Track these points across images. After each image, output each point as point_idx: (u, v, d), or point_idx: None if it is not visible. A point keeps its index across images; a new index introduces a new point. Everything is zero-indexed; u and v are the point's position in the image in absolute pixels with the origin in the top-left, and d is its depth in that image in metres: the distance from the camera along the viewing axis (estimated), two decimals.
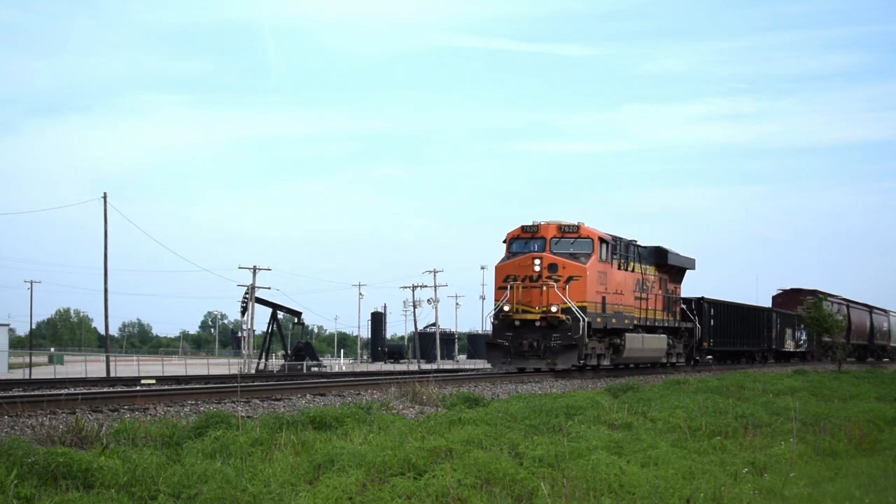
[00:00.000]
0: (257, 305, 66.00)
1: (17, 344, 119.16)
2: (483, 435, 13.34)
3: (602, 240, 34.78)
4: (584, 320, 32.84)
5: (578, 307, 32.91)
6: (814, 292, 70.28)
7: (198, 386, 24.32)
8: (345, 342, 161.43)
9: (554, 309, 32.91)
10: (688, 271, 45.66)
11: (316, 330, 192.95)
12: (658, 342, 40.68)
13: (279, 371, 59.62)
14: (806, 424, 16.90)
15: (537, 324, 33.08)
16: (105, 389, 22.33)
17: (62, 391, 19.02)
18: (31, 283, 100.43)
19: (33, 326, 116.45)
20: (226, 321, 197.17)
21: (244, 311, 60.68)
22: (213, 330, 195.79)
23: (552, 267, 33.45)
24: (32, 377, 52.30)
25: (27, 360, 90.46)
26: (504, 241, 35.04)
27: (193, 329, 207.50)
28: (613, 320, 35.60)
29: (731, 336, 52.53)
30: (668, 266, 42.76)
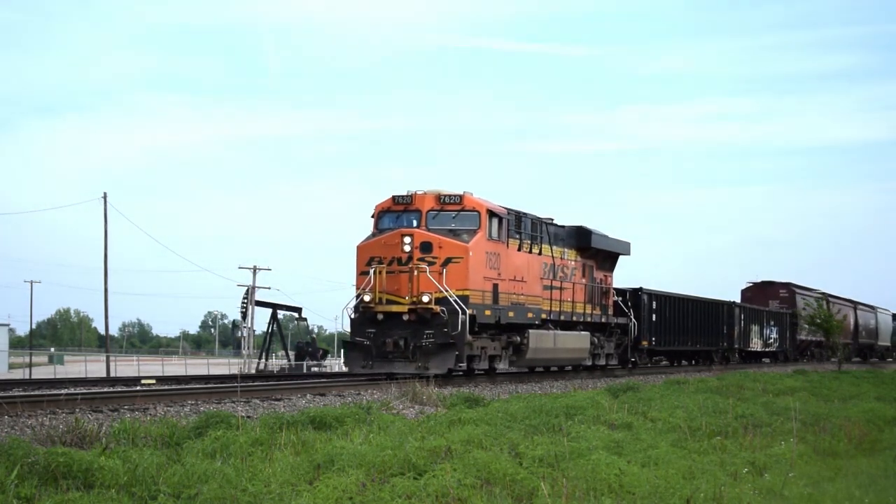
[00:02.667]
0: (257, 306, 66.02)
1: (17, 344, 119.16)
2: (483, 435, 13.35)
3: (493, 213, 28.26)
4: (464, 313, 26.48)
5: (458, 296, 26.54)
6: (787, 285, 66.19)
7: (198, 386, 24.30)
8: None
9: (426, 299, 26.49)
10: (621, 257, 39.28)
11: (316, 329, 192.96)
12: (577, 340, 34.09)
13: (279, 371, 59.61)
14: (806, 424, 16.91)
15: (405, 317, 26.74)
16: (105, 389, 22.31)
17: (62, 391, 19.02)
18: (31, 283, 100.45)
19: (33, 326, 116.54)
20: (226, 321, 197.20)
21: (244, 314, 60.68)
22: (213, 330, 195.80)
23: (425, 246, 27.01)
24: (32, 377, 52.29)
25: (27, 360, 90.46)
26: (372, 216, 28.41)
27: (193, 329, 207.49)
28: (511, 313, 29.33)
29: (681, 333, 45.80)
30: (594, 250, 36.37)
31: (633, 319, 39.81)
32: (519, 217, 30.30)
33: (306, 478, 10.58)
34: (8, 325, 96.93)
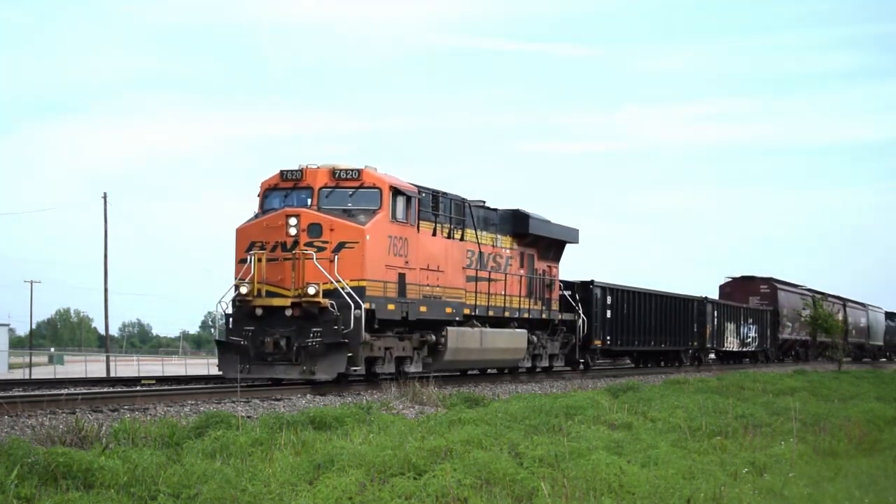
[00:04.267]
0: None
1: (17, 344, 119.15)
2: (483, 435, 13.35)
3: (398, 191, 24.32)
4: (359, 307, 22.64)
5: (353, 287, 22.71)
6: (768, 281, 61.89)
7: (198, 386, 24.29)
8: None
9: (312, 291, 22.62)
10: (568, 246, 35.12)
11: None
12: (511, 339, 30.13)
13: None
14: (806, 424, 16.91)
15: (288, 313, 22.85)
16: (105, 389, 22.31)
17: (62, 391, 19.02)
18: (32, 283, 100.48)
19: (33, 326, 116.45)
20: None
21: None
22: (213, 330, 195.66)
23: (314, 229, 23.13)
24: (32, 377, 52.31)
25: (27, 360, 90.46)
26: (259, 195, 24.58)
27: (193, 329, 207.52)
28: (423, 308, 25.42)
29: (642, 332, 41.37)
30: (533, 237, 32.11)
31: (582, 316, 35.53)
32: (436, 197, 26.47)
33: (306, 478, 10.58)
34: (8, 325, 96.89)
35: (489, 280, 29.17)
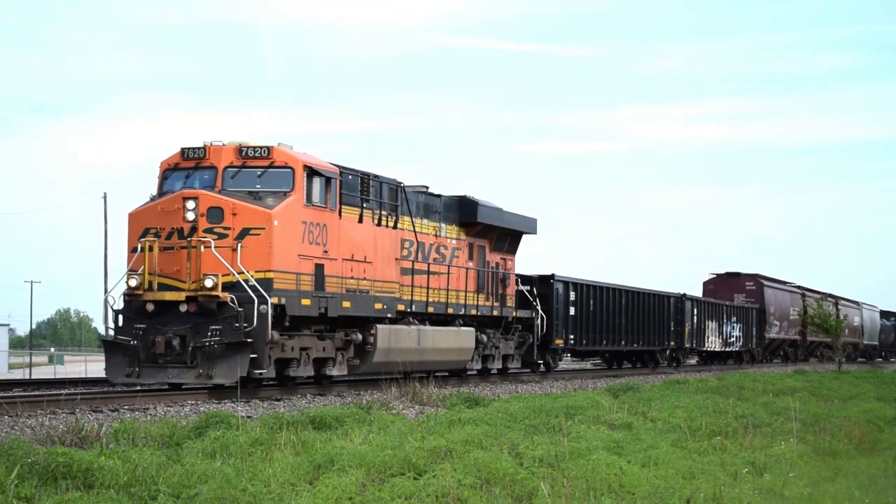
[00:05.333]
0: None
1: (17, 344, 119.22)
2: (483, 435, 13.35)
3: (314, 171, 21.76)
4: (265, 302, 20.14)
5: (259, 279, 20.34)
6: (754, 277, 59.09)
7: (198, 385, 24.27)
8: None
9: (209, 284, 20.17)
10: (525, 237, 32.43)
11: None
12: (456, 339, 27.58)
13: None
14: (806, 424, 16.91)
15: (183, 308, 20.37)
16: (105, 389, 22.30)
17: (62, 391, 19.01)
18: (31, 283, 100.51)
19: (33, 326, 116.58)
20: None
21: None
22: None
23: (214, 213, 20.60)
24: (32, 377, 52.32)
25: (27, 360, 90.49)
26: (158, 176, 22.07)
27: None
28: (346, 303, 22.87)
29: (611, 331, 38.47)
30: (483, 226, 29.50)
31: (541, 313, 32.76)
32: (363, 180, 23.82)
33: (306, 478, 10.59)
34: (8, 325, 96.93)
35: (428, 273, 26.59)
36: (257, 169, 21.41)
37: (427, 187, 27.51)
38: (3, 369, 79.13)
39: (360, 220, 23.69)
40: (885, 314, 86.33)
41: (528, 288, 32.81)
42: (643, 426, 15.88)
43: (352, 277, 23.23)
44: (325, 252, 22.25)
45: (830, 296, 68.03)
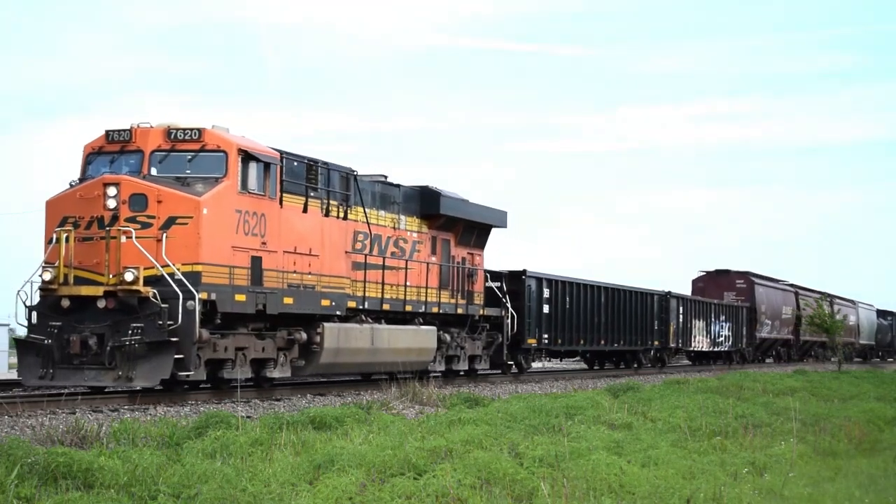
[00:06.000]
0: None
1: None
2: (483, 435, 13.36)
3: (250, 156, 20.17)
4: (191, 297, 18.57)
5: (185, 273, 18.75)
6: (745, 275, 57.27)
7: (197, 386, 24.27)
8: None
9: (130, 277, 18.52)
10: (494, 230, 30.67)
11: None
12: (416, 338, 25.83)
13: None
14: (806, 424, 16.92)
15: (102, 304, 18.66)
16: (107, 389, 22.28)
17: (62, 391, 18.99)
18: (32, 283, 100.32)
19: None
20: None
21: None
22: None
23: (137, 200, 18.96)
24: None
25: None
26: (81, 161, 20.40)
27: None
28: (288, 300, 21.21)
29: (590, 330, 36.65)
30: (448, 219, 27.82)
31: (511, 311, 30.83)
32: (310, 166, 22.12)
33: (306, 478, 10.59)
34: (8, 325, 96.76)
35: (384, 268, 24.74)
36: (187, 153, 19.77)
37: (385, 176, 25.91)
38: (2, 369, 79.09)
39: (305, 210, 21.91)
40: (882, 313, 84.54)
41: (498, 285, 30.99)
42: (643, 426, 15.89)
43: (295, 272, 21.50)
44: (264, 244, 20.57)
45: (826, 294, 65.60)
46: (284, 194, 21.27)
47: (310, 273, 21.94)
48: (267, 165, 20.65)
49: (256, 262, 20.35)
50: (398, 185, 26.14)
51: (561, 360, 42.60)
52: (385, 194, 25.60)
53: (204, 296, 18.96)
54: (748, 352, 54.86)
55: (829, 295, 65.78)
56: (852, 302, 73.39)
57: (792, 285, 64.29)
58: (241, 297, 19.91)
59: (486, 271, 30.45)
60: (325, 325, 22.33)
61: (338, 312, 22.84)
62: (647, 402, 20.02)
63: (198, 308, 18.66)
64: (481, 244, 30.22)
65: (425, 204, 27.01)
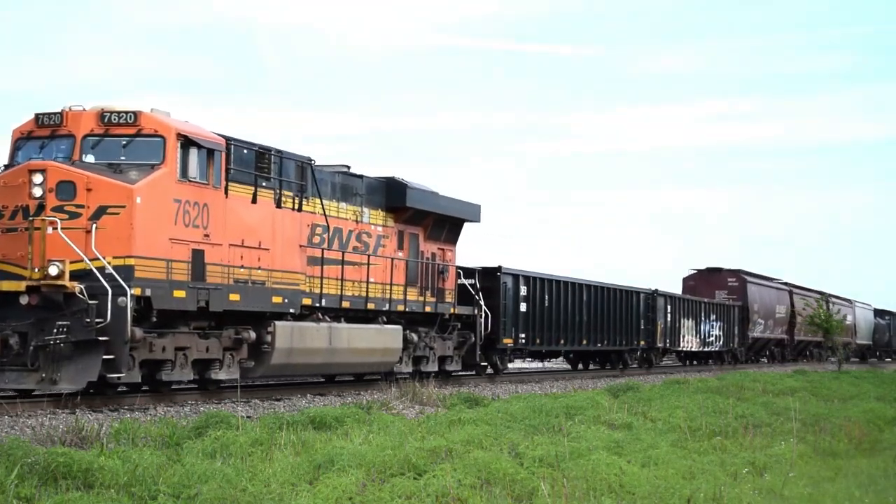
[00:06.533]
0: None
1: None
2: (483, 435, 13.37)
3: (190, 141, 18.71)
4: (122, 293, 17.15)
5: (117, 266, 17.38)
6: (737, 273, 55.64)
7: (197, 385, 24.30)
8: None
9: (54, 271, 17.15)
10: (467, 225, 29.22)
11: None
12: (378, 338, 24.24)
13: None
14: (806, 424, 16.93)
15: (24, 300, 17.31)
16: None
17: (62, 391, 18.97)
18: None
19: None
20: None
21: None
22: None
23: (65, 188, 17.58)
24: None
25: None
26: (10, 147, 19.15)
27: None
28: (235, 296, 19.73)
29: (571, 329, 35.16)
30: (416, 212, 26.34)
31: (485, 309, 29.38)
32: (260, 154, 20.74)
33: (306, 478, 10.59)
34: None
35: (343, 263, 23.18)
36: (122, 138, 18.33)
37: (348, 167, 24.54)
38: None
39: (255, 201, 20.44)
40: (879, 313, 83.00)
41: (472, 282, 29.38)
42: (643, 426, 15.90)
43: (242, 266, 20.07)
44: (207, 236, 19.16)
45: (821, 293, 63.70)
46: (231, 183, 19.88)
47: (259, 268, 20.56)
48: (210, 152, 19.20)
49: (198, 255, 18.98)
50: (361, 176, 24.71)
51: (543, 361, 41.29)
52: (346, 185, 24.13)
53: (137, 291, 17.55)
54: (740, 352, 53.52)
55: (825, 294, 63.48)
56: (849, 301, 71.98)
57: (786, 284, 63.16)
58: (180, 293, 18.54)
59: (458, 268, 29.13)
60: (277, 323, 20.92)
61: (291, 310, 21.38)
62: (647, 402, 20.04)
63: (130, 305, 17.17)
64: (453, 239, 28.82)
65: (391, 196, 25.54)
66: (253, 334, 20.40)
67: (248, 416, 16.86)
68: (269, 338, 20.67)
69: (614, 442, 13.36)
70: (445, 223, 28.11)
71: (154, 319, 18.25)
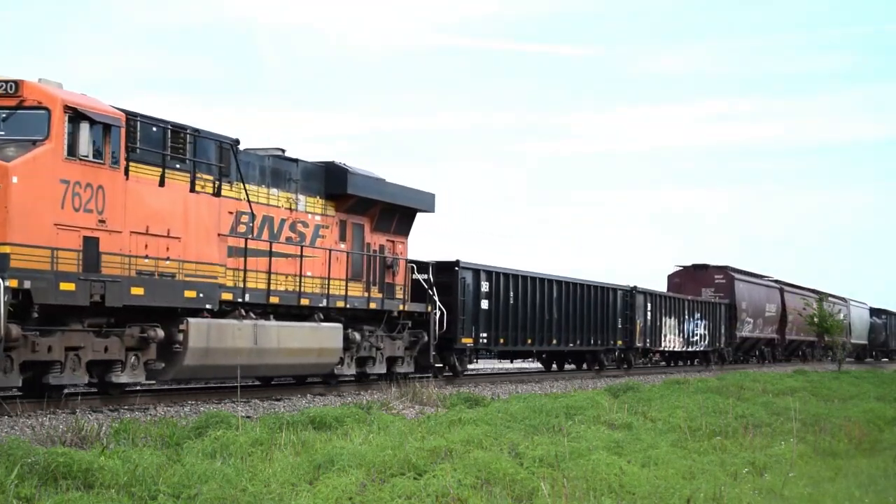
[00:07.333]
0: None
1: None
2: (483, 435, 13.37)
3: (81, 115, 16.69)
4: None
5: None
6: (724, 269, 53.49)
7: (198, 386, 24.31)
8: None
9: None
10: (420, 215, 27.37)
11: None
12: (315, 337, 22.28)
13: None
14: (806, 424, 16.93)
15: None
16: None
17: (62, 391, 18.99)
18: None
19: None
20: None
21: None
22: None
23: None
24: None
25: None
26: None
27: None
28: (138, 290, 17.78)
29: (539, 328, 33.22)
30: (360, 201, 24.45)
31: (440, 306, 27.54)
32: (169, 132, 18.74)
33: (306, 478, 10.59)
34: None
35: (271, 254, 21.38)
36: (2, 111, 16.45)
37: (283, 150, 22.70)
38: None
39: (162, 184, 18.42)
40: (875, 312, 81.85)
41: (425, 276, 27.55)
42: (643, 426, 15.91)
43: (147, 256, 18.11)
44: (102, 222, 17.13)
45: (813, 291, 63.77)
46: (134, 164, 17.85)
47: (168, 259, 18.62)
48: (107, 128, 17.14)
49: (91, 243, 16.90)
50: (296, 160, 22.79)
51: (512, 362, 39.92)
52: (278, 170, 22.27)
53: (13, 283, 15.63)
54: (727, 352, 51.45)
55: (819, 292, 63.00)
56: (843, 300, 70.37)
57: (777, 281, 61.33)
58: (68, 286, 16.45)
59: (411, 262, 27.16)
60: (191, 320, 18.96)
61: (208, 306, 19.44)
62: (647, 402, 20.05)
63: (3, 299, 15.31)
64: (404, 230, 26.82)
65: (331, 183, 23.58)
66: (161, 333, 18.44)
67: (248, 416, 16.87)
68: (181, 336, 18.84)
69: (614, 442, 13.36)
70: (395, 213, 26.20)
71: (36, 315, 16.27)
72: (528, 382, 30.64)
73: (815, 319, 54.43)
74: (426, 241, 61.01)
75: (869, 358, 77.52)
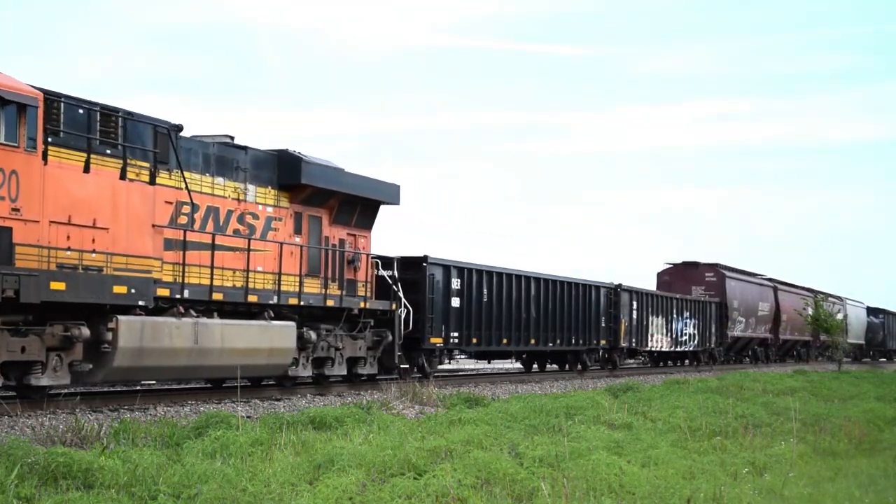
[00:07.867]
0: None
1: None
2: (483, 435, 13.38)
3: None
4: None
5: None
6: (714, 267, 51.88)
7: (198, 386, 24.31)
8: None
9: None
10: (384, 208, 25.85)
11: None
12: (264, 336, 20.84)
13: None
14: (806, 424, 16.94)
15: None
16: (105, 389, 22.32)
17: (62, 391, 19.00)
18: None
19: None
20: None
21: None
22: None
23: None
24: None
25: None
26: None
27: None
28: (58, 284, 16.19)
29: (516, 328, 31.84)
30: (315, 191, 22.95)
31: (406, 304, 26.09)
32: (97, 114, 17.43)
33: (306, 478, 10.59)
34: None
35: (213, 248, 19.94)
36: None
37: (232, 137, 21.32)
38: None
39: (87, 170, 17.01)
40: (872, 311, 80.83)
41: (390, 273, 26.14)
42: (643, 426, 15.91)
43: (70, 248, 16.65)
44: (15, 210, 15.63)
45: (809, 290, 62.54)
46: (55, 148, 16.50)
47: (94, 251, 17.08)
48: (21, 108, 15.62)
49: (3, 233, 15.48)
50: (244, 148, 21.36)
51: (489, 362, 38.90)
52: (224, 158, 20.74)
53: None
54: (718, 352, 49.87)
55: (813, 290, 61.76)
56: (840, 299, 68.82)
57: (770, 280, 59.84)
58: None
59: (375, 257, 25.80)
60: (121, 318, 17.43)
61: (141, 302, 17.80)
62: (647, 402, 20.06)
63: None
64: (366, 224, 25.28)
65: (284, 172, 22.12)
66: (87, 331, 16.91)
67: (248, 416, 16.87)
68: (109, 336, 17.36)
69: (614, 442, 13.37)
70: (356, 205, 24.61)
71: None
72: (529, 382, 30.64)
73: (818, 318, 53.54)
74: (422, 241, 60.91)
75: (866, 358, 76.84)
